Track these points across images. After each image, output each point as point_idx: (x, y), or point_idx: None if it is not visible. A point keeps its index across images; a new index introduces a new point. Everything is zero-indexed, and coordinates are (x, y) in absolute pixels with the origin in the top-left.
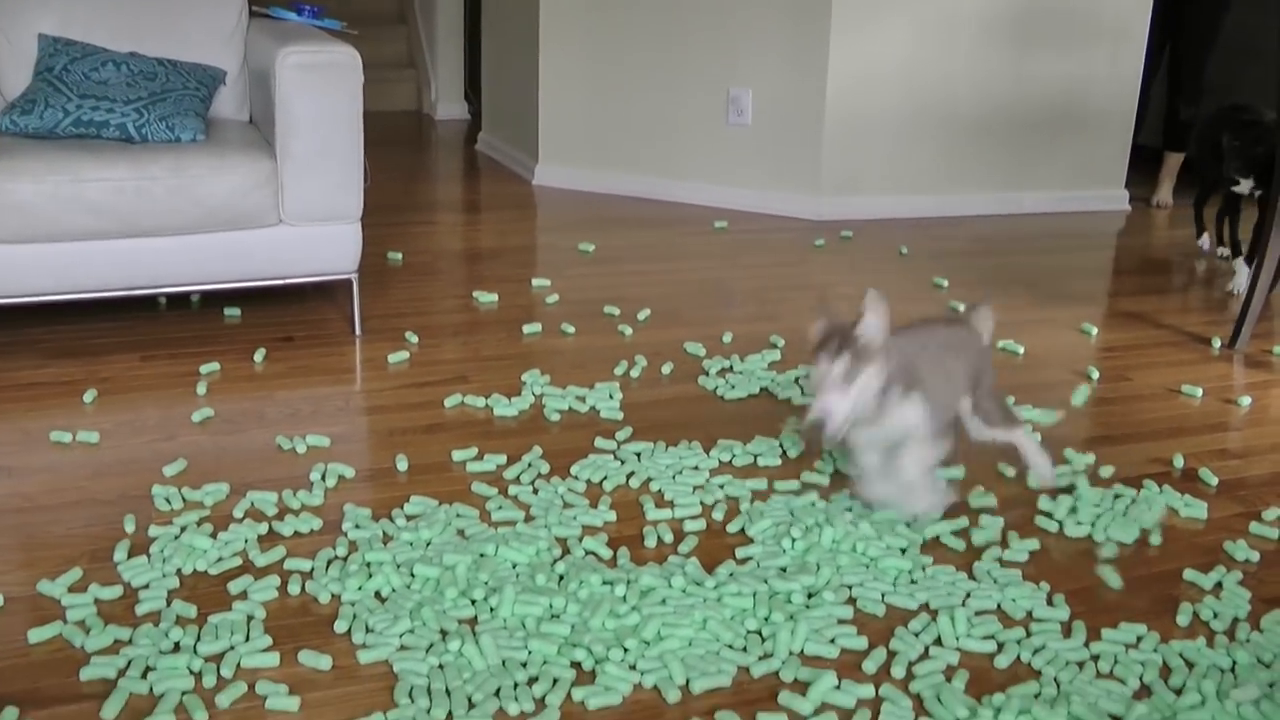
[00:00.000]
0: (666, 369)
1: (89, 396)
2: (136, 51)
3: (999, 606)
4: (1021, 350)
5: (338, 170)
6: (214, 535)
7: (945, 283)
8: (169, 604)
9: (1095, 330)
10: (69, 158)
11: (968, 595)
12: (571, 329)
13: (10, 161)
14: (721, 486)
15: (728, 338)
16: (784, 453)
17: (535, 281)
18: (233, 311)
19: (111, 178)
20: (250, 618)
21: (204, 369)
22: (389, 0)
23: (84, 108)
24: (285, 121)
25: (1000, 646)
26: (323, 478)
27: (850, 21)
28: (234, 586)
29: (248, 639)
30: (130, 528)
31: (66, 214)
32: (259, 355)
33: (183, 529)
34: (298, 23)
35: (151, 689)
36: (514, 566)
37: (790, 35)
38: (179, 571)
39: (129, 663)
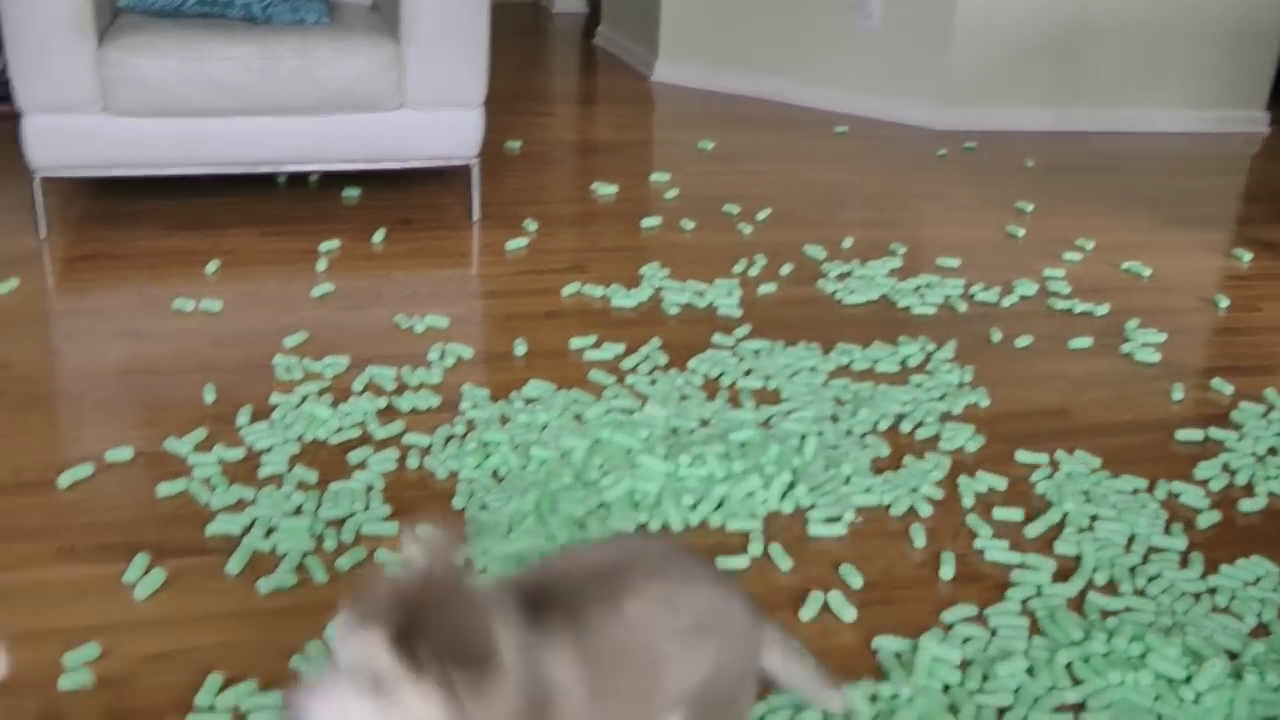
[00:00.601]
0: (785, 270)
1: (211, 267)
2: None
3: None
4: (1148, 273)
5: (461, 55)
6: (334, 406)
7: (1029, 207)
8: (290, 469)
9: (1248, 256)
10: (194, 35)
11: (1094, 518)
12: (690, 225)
13: (136, 38)
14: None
15: (848, 242)
16: (903, 362)
17: (654, 176)
18: (351, 192)
19: (237, 56)
20: (370, 487)
21: (323, 247)
22: None
23: None
24: (410, 5)
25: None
26: (441, 357)
27: None
28: (353, 457)
29: (367, 508)
30: (252, 394)
31: (191, 90)
32: (377, 236)
33: (303, 398)
34: None
35: (274, 549)
36: (629, 452)
37: None
38: (300, 439)
39: (253, 522)
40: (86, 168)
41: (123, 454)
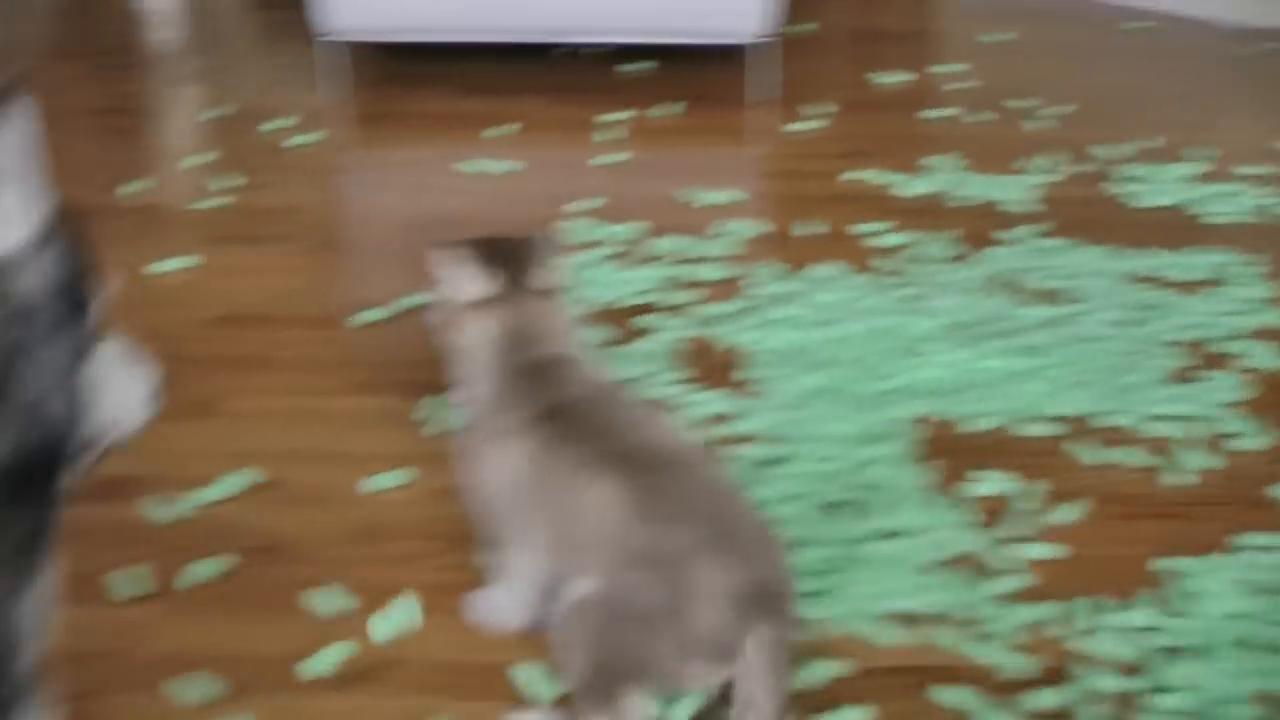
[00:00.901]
0: (1078, 169)
1: (500, 131)
2: None
3: None
4: None
5: None
6: (623, 271)
7: None
8: None
9: None
10: None
11: None
12: (979, 118)
13: None
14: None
15: (1145, 144)
16: (1201, 271)
17: (944, 67)
18: (636, 66)
19: None
20: (657, 353)
21: (609, 118)
22: None
23: None
24: None
25: None
26: (728, 232)
27: None
28: (641, 322)
29: (654, 373)
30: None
31: None
32: (662, 110)
33: (594, 261)
34: None
35: None
36: (915, 340)
37: None
38: (589, 300)
39: None
40: (383, 32)
41: (413, 300)
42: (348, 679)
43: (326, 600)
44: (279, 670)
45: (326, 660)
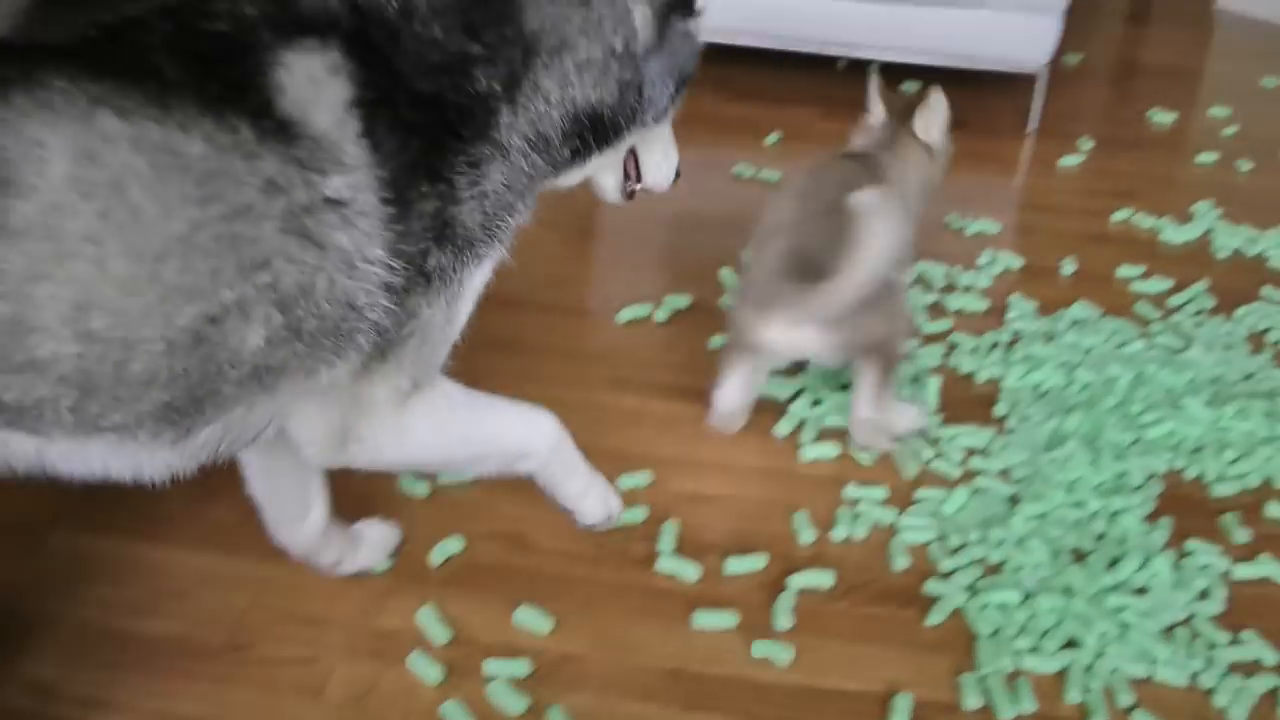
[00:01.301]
0: None
1: (772, 138)
2: None
3: None
4: None
5: None
6: None
7: None
8: None
9: None
10: None
11: None
12: (1248, 165)
13: None
14: None
15: None
16: None
17: (1212, 109)
18: (910, 86)
19: None
20: (915, 379)
21: None
22: None
23: None
24: None
25: None
26: (990, 263)
27: None
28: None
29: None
30: None
31: None
32: None
33: None
34: None
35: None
36: (1171, 391)
37: None
38: None
39: (800, 390)
40: None
41: (680, 301)
42: None
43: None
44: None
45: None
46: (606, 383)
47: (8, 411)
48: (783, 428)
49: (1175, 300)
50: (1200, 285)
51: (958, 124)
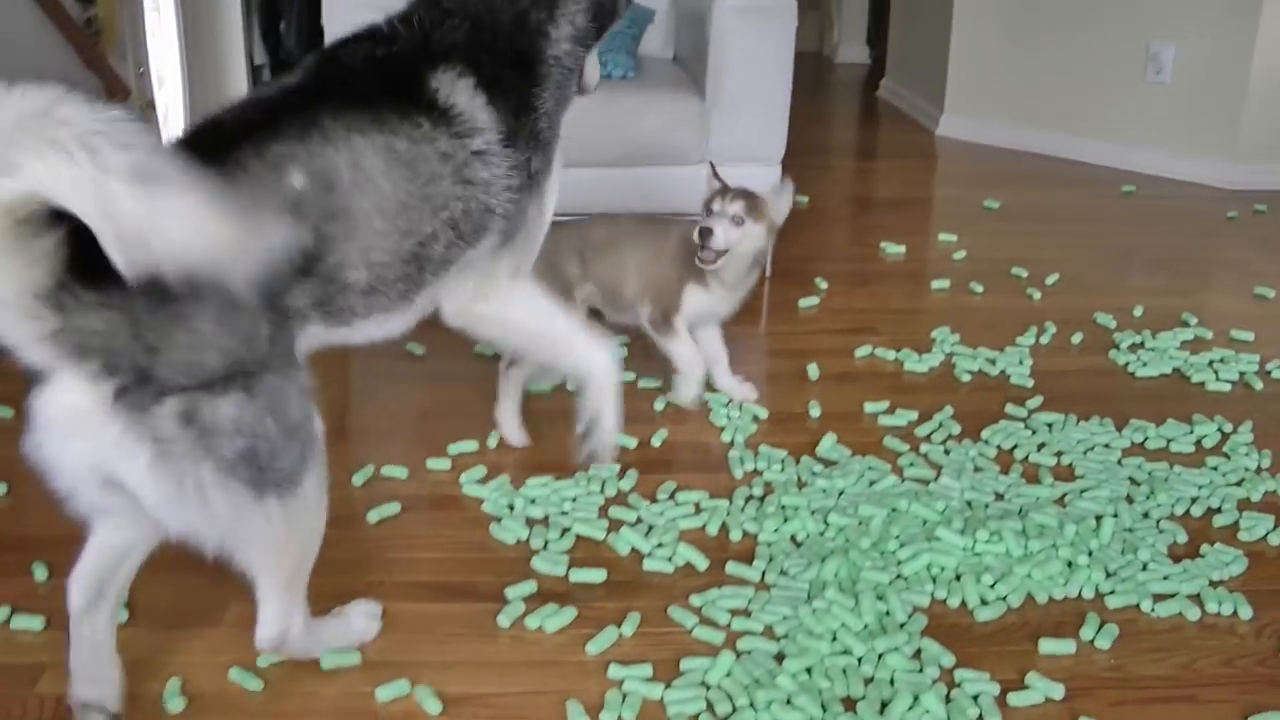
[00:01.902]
0: (1076, 338)
1: None
2: None
3: None
4: None
5: (764, 112)
6: (625, 468)
7: None
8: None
9: None
10: None
11: None
12: (980, 288)
13: None
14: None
15: (1138, 311)
16: (1198, 442)
17: (941, 236)
18: None
19: None
20: (662, 544)
21: None
22: None
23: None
24: (718, 62)
25: None
26: (740, 417)
27: None
28: (654, 509)
29: (671, 559)
30: (560, 439)
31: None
32: None
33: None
34: None
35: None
36: (925, 524)
37: None
38: (603, 487)
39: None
40: None
41: (424, 490)
42: None
43: None
44: None
45: None
46: (359, 589)
47: (332, 315)
48: (504, 619)
49: (923, 430)
50: (946, 412)
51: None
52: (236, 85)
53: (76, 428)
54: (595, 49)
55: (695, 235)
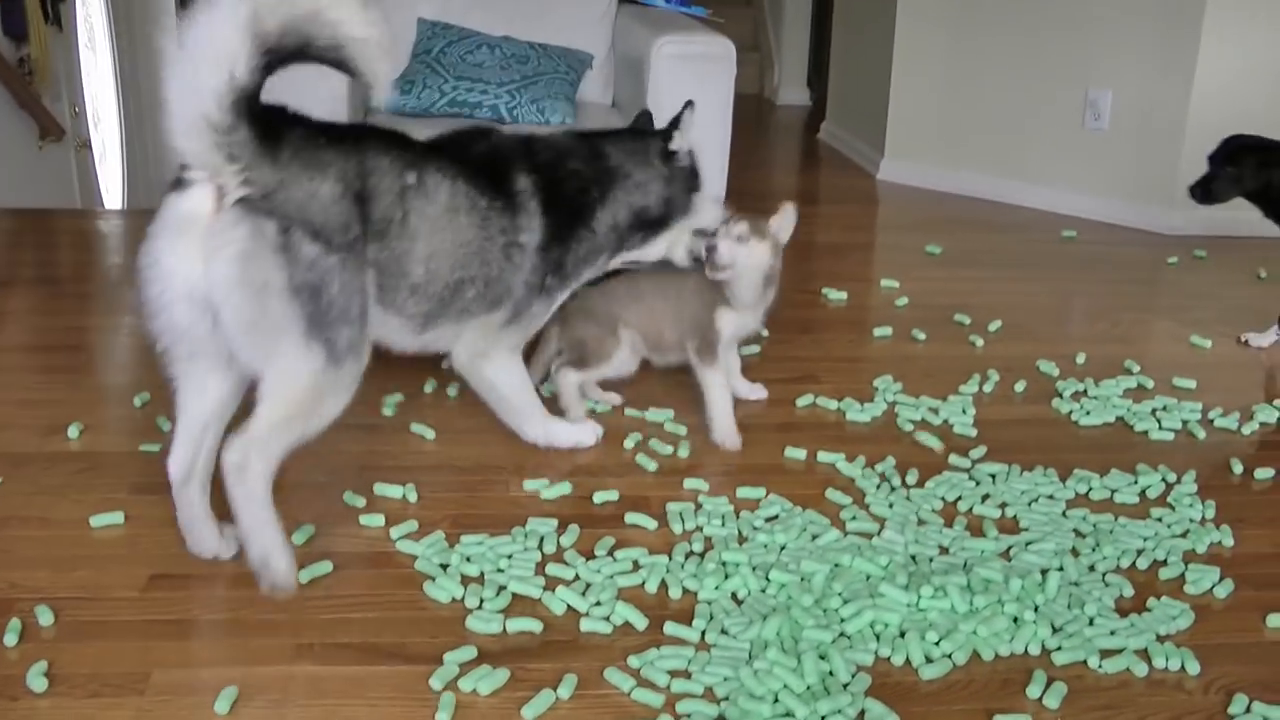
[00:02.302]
0: (1019, 387)
1: (428, 387)
2: (510, 35)
3: None
4: None
5: (705, 157)
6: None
7: None
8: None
9: None
10: None
11: None
12: (922, 335)
13: None
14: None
15: (1081, 358)
16: (1142, 493)
17: (883, 282)
18: None
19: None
20: (599, 602)
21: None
22: None
23: (459, 89)
24: (657, 109)
25: None
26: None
27: (1225, 19)
28: (590, 566)
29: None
30: (496, 494)
31: None
32: None
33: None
34: (666, 9)
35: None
36: (869, 579)
37: (1157, 33)
38: (540, 544)
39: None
40: None
41: (357, 548)
42: None
43: None
44: None
45: None
46: (288, 652)
47: (383, 292)
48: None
49: (865, 482)
50: (888, 462)
51: None
52: None
53: (195, 223)
54: (661, 238)
55: (703, 251)
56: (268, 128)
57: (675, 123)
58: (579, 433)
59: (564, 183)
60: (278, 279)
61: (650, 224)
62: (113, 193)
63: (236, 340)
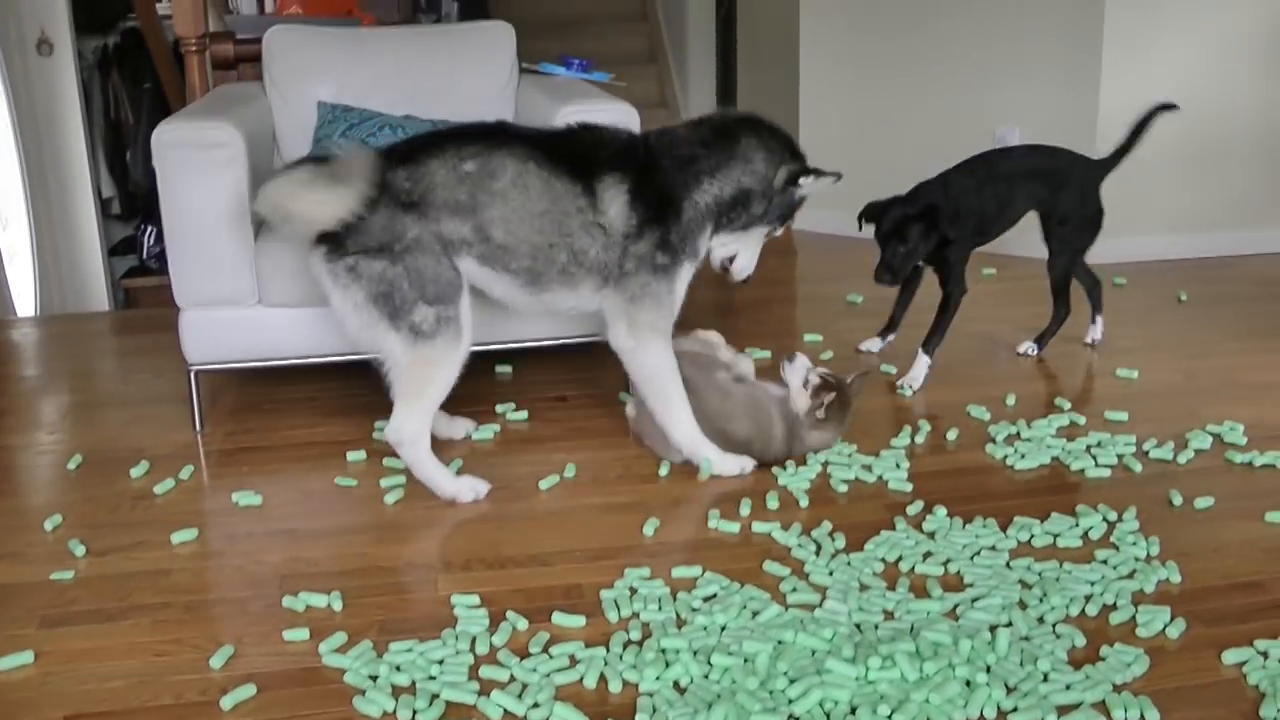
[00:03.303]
0: (952, 435)
1: (357, 456)
2: (411, 114)
3: None
4: None
5: None
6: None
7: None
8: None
9: None
10: None
11: None
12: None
13: None
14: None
15: (1011, 400)
16: (1085, 535)
17: (807, 337)
18: (504, 369)
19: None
20: (536, 704)
21: (479, 434)
22: (639, 40)
23: None
24: None
25: None
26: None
27: (1123, 51)
28: (526, 666)
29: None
30: (424, 594)
31: None
32: (524, 415)
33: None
34: (567, 77)
35: None
36: (814, 654)
37: (1059, 70)
38: (473, 645)
39: None
40: (241, 360)
41: (283, 665)
42: None
43: None
44: None
45: None
46: None
47: (485, 259)
48: None
49: (802, 551)
50: (825, 526)
51: (559, 399)
52: (87, 220)
53: (318, 277)
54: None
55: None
56: None
57: (814, 170)
58: (731, 463)
59: (658, 183)
60: (360, 295)
61: (743, 218)
62: (24, 299)
63: (357, 342)
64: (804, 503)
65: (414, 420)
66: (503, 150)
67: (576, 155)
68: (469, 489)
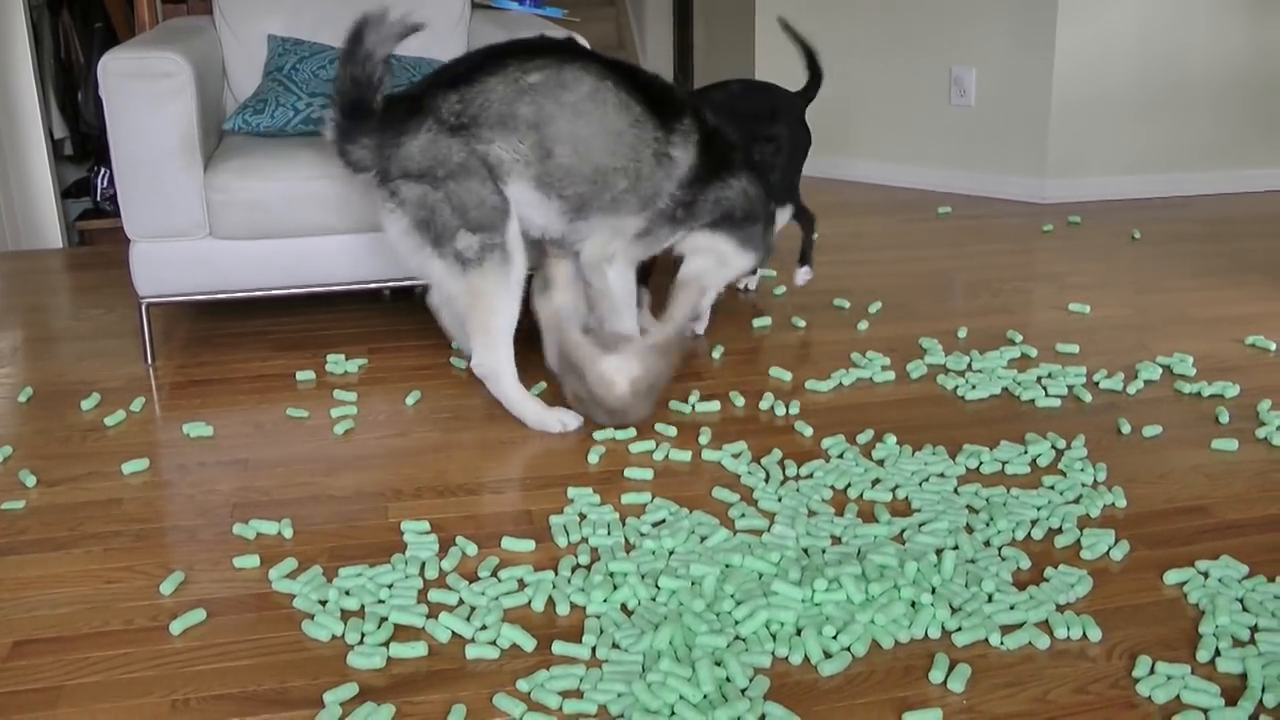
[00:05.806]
0: (905, 365)
1: (307, 376)
2: None
3: None
4: (1274, 346)
5: None
6: (446, 545)
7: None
8: (417, 602)
9: None
10: (299, 156)
11: (1254, 629)
12: (803, 323)
13: (243, 160)
14: (975, 493)
15: (963, 333)
16: (1033, 462)
17: (760, 271)
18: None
19: (339, 175)
20: (486, 625)
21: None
22: None
23: (313, 105)
24: None
25: None
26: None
27: None
28: (474, 590)
29: (495, 643)
30: (374, 521)
31: (297, 211)
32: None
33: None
34: (520, 12)
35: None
36: (761, 578)
37: (1016, 10)
38: (422, 570)
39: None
40: (192, 293)
41: (233, 591)
42: None
43: None
44: None
45: None
46: (166, 710)
47: (542, 183)
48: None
49: (752, 477)
50: (775, 454)
51: None
52: (38, 161)
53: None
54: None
55: None
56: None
57: None
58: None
59: (720, 146)
60: (404, 221)
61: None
62: None
63: (409, 267)
64: (753, 432)
65: (490, 354)
66: (576, 64)
67: (651, 88)
68: (557, 420)
